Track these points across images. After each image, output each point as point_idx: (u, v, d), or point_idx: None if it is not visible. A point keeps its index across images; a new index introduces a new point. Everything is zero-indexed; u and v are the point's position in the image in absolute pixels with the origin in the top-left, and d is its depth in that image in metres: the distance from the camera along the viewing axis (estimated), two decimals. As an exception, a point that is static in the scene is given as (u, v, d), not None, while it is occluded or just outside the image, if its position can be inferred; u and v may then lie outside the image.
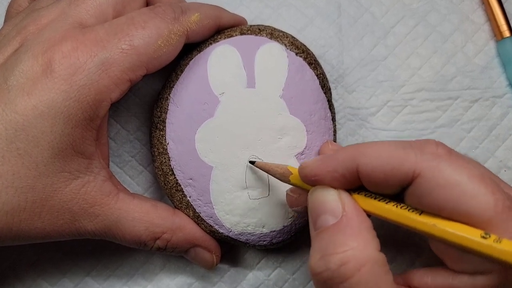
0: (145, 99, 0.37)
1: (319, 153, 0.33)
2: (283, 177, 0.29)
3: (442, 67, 0.37)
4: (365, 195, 0.26)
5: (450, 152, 0.25)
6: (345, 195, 0.26)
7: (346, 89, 0.37)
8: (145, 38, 0.29)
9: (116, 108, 0.37)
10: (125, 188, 0.32)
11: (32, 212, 0.28)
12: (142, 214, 0.31)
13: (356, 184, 0.26)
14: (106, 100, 0.29)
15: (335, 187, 0.26)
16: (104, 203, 0.30)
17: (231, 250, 0.37)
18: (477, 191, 0.23)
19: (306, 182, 0.27)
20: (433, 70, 0.37)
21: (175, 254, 0.33)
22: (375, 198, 0.26)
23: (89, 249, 0.36)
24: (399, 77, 0.37)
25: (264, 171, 0.31)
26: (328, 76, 0.37)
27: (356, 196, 0.26)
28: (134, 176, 0.37)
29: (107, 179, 0.30)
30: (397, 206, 0.25)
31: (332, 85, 0.37)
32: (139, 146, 0.37)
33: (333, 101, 0.36)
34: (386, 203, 0.25)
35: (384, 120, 0.37)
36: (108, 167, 0.32)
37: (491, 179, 0.24)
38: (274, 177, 0.30)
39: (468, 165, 0.24)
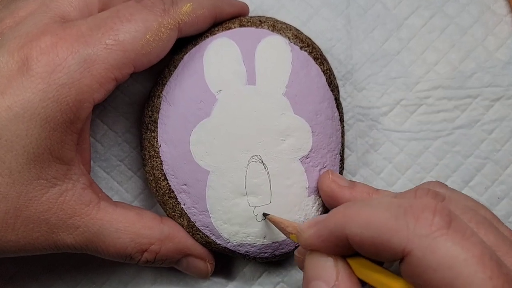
0: (135, 97, 0.36)
1: (318, 185, 0.32)
2: (287, 235, 0.29)
3: (460, 63, 0.37)
4: (365, 262, 0.25)
5: (449, 223, 0.23)
6: (341, 264, 0.25)
7: (355, 87, 0.37)
8: (131, 32, 0.29)
9: (103, 107, 0.36)
10: (107, 196, 0.32)
11: (5, 223, 0.28)
12: (126, 224, 0.30)
13: (353, 250, 0.25)
14: (89, 101, 0.28)
15: (334, 254, 0.26)
16: (84, 213, 0.29)
17: (229, 263, 0.36)
18: (473, 276, 0.22)
19: (306, 249, 0.27)
20: (451, 65, 0.37)
21: (165, 265, 0.33)
22: (375, 267, 0.25)
23: (73, 261, 0.36)
24: (414, 73, 0.37)
25: (275, 226, 0.31)
26: (335, 72, 0.36)
27: (354, 262, 0.26)
28: (122, 182, 0.36)
29: (87, 186, 0.30)
30: (395, 280, 0.24)
31: (340, 82, 0.37)
32: (128, 149, 0.36)
33: (341, 99, 0.36)
34: (385, 275, 0.24)
35: (397, 120, 0.37)
36: (89, 173, 0.32)
37: (492, 258, 0.22)
38: (284, 234, 0.30)
39: (467, 242, 0.22)
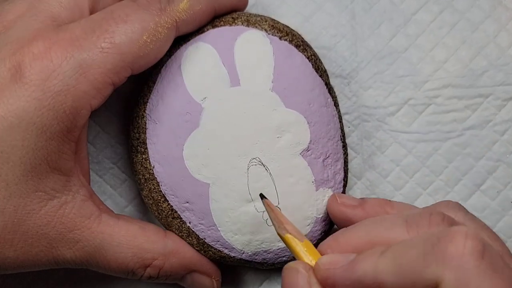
0: (128, 97, 0.36)
1: (328, 211, 0.32)
2: (279, 229, 0.29)
3: (471, 60, 0.37)
4: None
5: (483, 253, 0.23)
6: (314, 282, 0.26)
7: (361, 85, 0.37)
8: (128, 33, 0.29)
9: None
10: (109, 208, 0.32)
11: (3, 239, 0.28)
12: (129, 238, 0.30)
13: None
14: (86, 107, 0.28)
15: None
16: (84, 227, 0.29)
17: (229, 271, 0.36)
18: None
19: (321, 283, 0.26)
20: (461, 63, 0.37)
21: (169, 281, 0.33)
22: None
23: (61, 274, 0.35)
24: (422, 71, 0.37)
25: (269, 215, 0.30)
26: (340, 70, 0.36)
27: None
28: (116, 186, 0.36)
29: (88, 198, 0.30)
30: None
31: (344, 81, 0.37)
32: (122, 151, 0.36)
33: (345, 98, 0.36)
34: None
35: (404, 121, 0.36)
36: (89, 184, 0.32)
37: None
38: (277, 230, 0.29)
39: (498, 279, 0.22)
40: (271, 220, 0.29)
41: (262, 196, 0.31)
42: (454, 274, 0.22)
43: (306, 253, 0.27)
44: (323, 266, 0.26)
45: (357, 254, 0.26)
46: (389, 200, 0.31)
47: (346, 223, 0.31)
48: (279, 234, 0.29)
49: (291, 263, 0.27)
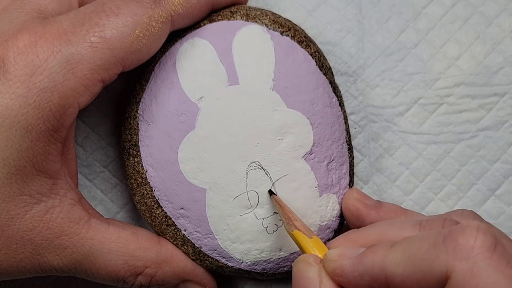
0: (120, 95, 0.35)
1: (342, 203, 0.33)
2: (288, 226, 0.30)
3: (485, 57, 0.36)
4: None
5: (494, 246, 0.23)
6: (324, 274, 0.27)
7: (368, 84, 0.36)
8: (119, 27, 0.28)
9: (85, 107, 0.35)
10: (98, 213, 0.31)
11: None
12: (119, 245, 0.30)
13: None
14: (73, 105, 0.28)
15: None
16: (73, 233, 0.29)
17: (227, 282, 0.36)
18: None
19: (333, 278, 0.27)
20: (475, 60, 0.36)
21: None
22: None
23: (50, 282, 0.35)
24: (433, 68, 0.36)
25: (278, 211, 0.31)
26: (345, 67, 0.36)
27: None
28: (106, 191, 0.36)
29: (76, 202, 0.29)
30: None
31: (350, 79, 0.36)
32: (113, 153, 0.36)
33: (351, 98, 0.36)
34: None
35: (414, 121, 0.36)
36: (77, 186, 0.31)
37: None
38: (285, 226, 0.30)
39: (511, 271, 0.23)
40: (280, 216, 0.30)
41: (271, 193, 0.31)
42: (465, 265, 0.23)
43: (315, 249, 0.28)
44: (332, 258, 0.27)
45: (367, 248, 0.26)
46: (405, 209, 0.32)
47: (357, 222, 0.32)
48: (287, 231, 0.29)
49: (301, 257, 0.28)
